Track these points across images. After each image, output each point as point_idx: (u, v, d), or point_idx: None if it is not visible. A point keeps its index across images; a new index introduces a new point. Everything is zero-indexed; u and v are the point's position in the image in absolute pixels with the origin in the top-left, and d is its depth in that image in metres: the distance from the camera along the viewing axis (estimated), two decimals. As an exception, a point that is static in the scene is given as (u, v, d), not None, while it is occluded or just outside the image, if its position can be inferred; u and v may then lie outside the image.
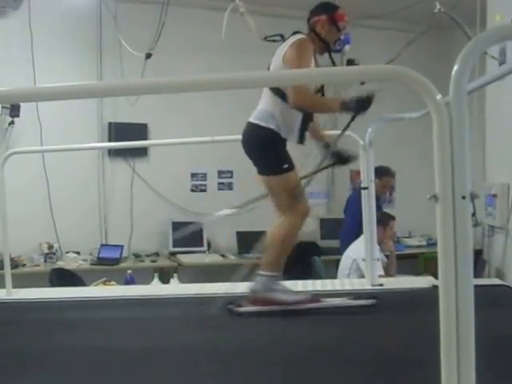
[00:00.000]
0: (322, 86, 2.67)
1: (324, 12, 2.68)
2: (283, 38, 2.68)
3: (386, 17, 5.39)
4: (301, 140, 2.68)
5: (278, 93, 2.56)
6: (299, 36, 2.62)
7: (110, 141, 5.35)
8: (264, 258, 2.63)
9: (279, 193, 2.61)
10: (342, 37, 2.70)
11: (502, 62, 3.46)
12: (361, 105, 2.48)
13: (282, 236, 2.61)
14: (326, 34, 2.68)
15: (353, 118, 2.57)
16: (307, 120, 2.68)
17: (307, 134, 2.72)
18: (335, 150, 2.71)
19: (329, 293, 2.91)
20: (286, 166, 2.58)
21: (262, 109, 2.63)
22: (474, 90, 2.34)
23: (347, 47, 2.72)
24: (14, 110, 4.83)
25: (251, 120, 2.64)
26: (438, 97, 1.24)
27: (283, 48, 2.61)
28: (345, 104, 2.50)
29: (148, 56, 4.68)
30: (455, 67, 1.25)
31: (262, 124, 2.59)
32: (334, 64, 2.71)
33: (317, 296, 2.71)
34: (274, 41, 2.74)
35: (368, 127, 3.10)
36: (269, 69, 2.66)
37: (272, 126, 2.58)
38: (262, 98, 2.66)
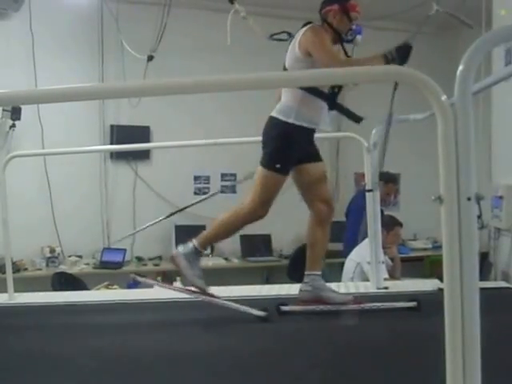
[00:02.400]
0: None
1: (336, 2, 2.67)
2: (290, 35, 2.69)
3: (391, 17, 5.37)
4: (355, 118, 2.62)
5: None
6: (310, 25, 2.61)
7: (112, 144, 5.35)
8: (307, 257, 2.69)
9: (256, 184, 2.61)
10: (354, 27, 2.68)
11: (508, 62, 3.43)
12: (403, 52, 2.49)
13: (230, 219, 2.64)
14: (337, 23, 2.66)
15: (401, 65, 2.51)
16: (337, 106, 2.65)
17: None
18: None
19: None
20: (278, 166, 2.57)
21: (283, 103, 2.64)
22: (480, 90, 2.32)
23: (359, 38, 2.70)
24: (15, 113, 4.82)
25: (272, 114, 2.65)
26: (443, 98, 1.23)
27: (296, 39, 2.60)
28: (387, 57, 2.50)
29: (150, 58, 4.68)
30: (460, 68, 1.23)
31: (281, 118, 2.59)
32: (346, 54, 2.69)
33: (358, 298, 2.74)
34: (280, 39, 2.74)
35: (373, 129, 3.07)
36: (284, 67, 2.67)
37: (291, 120, 2.58)
38: (282, 92, 2.66)
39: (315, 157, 2.75)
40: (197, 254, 2.65)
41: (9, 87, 1.58)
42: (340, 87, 2.63)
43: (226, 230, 2.71)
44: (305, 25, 2.63)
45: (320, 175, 2.74)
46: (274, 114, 2.63)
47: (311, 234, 2.73)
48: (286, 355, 2.09)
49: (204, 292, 2.66)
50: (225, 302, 2.62)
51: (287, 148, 2.59)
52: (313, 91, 2.57)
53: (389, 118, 2.61)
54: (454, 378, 1.23)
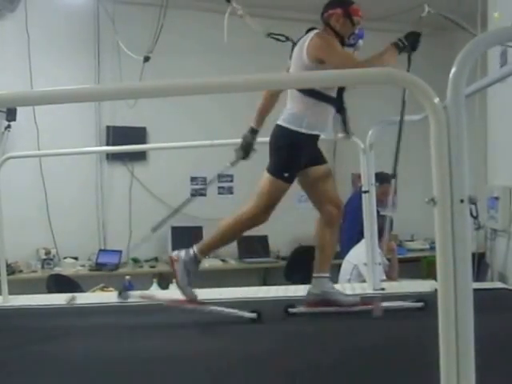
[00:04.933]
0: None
1: (339, 6, 2.67)
2: (288, 39, 2.70)
3: (387, 19, 5.37)
4: (345, 130, 2.70)
5: (307, 92, 2.55)
6: (315, 31, 2.61)
7: (108, 145, 5.34)
8: (316, 260, 2.69)
9: (260, 191, 2.62)
10: (357, 31, 2.69)
11: (503, 64, 3.43)
12: (413, 39, 2.52)
13: (231, 224, 2.65)
14: (340, 27, 2.66)
15: (410, 58, 2.57)
16: (342, 110, 2.67)
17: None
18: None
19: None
20: (286, 175, 2.58)
21: (291, 112, 2.62)
22: (473, 92, 2.32)
23: (361, 42, 2.70)
24: (11, 114, 4.82)
25: (280, 123, 2.63)
26: (436, 100, 1.23)
27: (302, 46, 2.58)
28: (398, 45, 2.52)
29: (146, 59, 4.67)
30: (453, 70, 1.23)
31: (292, 127, 2.59)
32: None
33: (366, 299, 2.75)
34: (278, 39, 2.75)
35: (369, 130, 3.07)
36: (288, 71, 2.66)
37: (303, 130, 2.58)
38: (288, 100, 2.65)
39: (320, 159, 2.76)
40: (196, 262, 2.65)
41: (4, 88, 1.57)
42: (343, 89, 2.64)
43: (228, 236, 2.71)
44: (308, 31, 2.63)
45: (325, 177, 2.75)
46: (283, 123, 2.61)
47: (320, 236, 2.73)
48: (290, 356, 2.09)
49: (193, 301, 2.65)
50: (213, 307, 2.62)
51: (296, 157, 2.60)
52: (321, 97, 2.57)
53: (401, 118, 2.62)
54: (448, 379, 1.23)
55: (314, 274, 2.70)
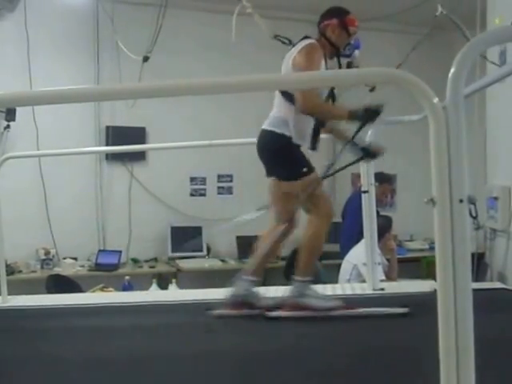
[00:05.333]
0: (333, 92, 2.67)
1: (335, 16, 2.68)
2: (291, 43, 2.69)
3: (390, 19, 5.37)
4: (313, 147, 2.69)
5: (291, 99, 2.56)
6: (308, 41, 2.62)
7: (107, 145, 5.34)
8: (297, 263, 2.66)
9: (308, 199, 2.61)
10: (352, 42, 2.69)
11: (501, 64, 3.43)
12: (368, 115, 2.48)
13: (310, 240, 2.63)
14: (336, 38, 2.68)
15: (360, 128, 2.57)
16: (319, 127, 2.69)
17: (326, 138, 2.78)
18: (363, 145, 2.69)
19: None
20: (305, 169, 2.58)
21: (276, 116, 2.64)
22: (472, 93, 2.32)
23: (357, 52, 2.71)
24: (10, 114, 4.81)
25: (265, 127, 2.65)
26: (435, 100, 1.23)
27: (292, 53, 2.62)
28: (353, 113, 2.50)
29: (145, 59, 4.67)
30: (452, 70, 1.24)
31: (277, 131, 2.60)
32: (340, 68, 2.72)
33: (350, 303, 2.70)
34: (283, 42, 2.75)
35: (368, 130, 3.07)
36: None
37: (287, 133, 2.59)
38: (274, 105, 2.67)
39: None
40: (305, 284, 2.62)
41: (3, 88, 1.57)
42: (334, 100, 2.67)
43: (317, 250, 2.68)
44: (303, 38, 2.64)
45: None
46: (269, 127, 2.63)
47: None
48: (276, 361, 2.08)
49: (343, 306, 2.62)
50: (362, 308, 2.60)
51: (296, 152, 2.61)
52: None
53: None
54: (448, 379, 1.23)
55: (294, 277, 2.66)
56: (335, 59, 2.72)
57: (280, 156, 2.62)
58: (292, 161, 2.61)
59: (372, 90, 2.73)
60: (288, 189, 2.64)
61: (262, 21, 3.04)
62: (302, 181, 2.58)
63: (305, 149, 2.67)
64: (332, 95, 2.67)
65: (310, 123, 2.65)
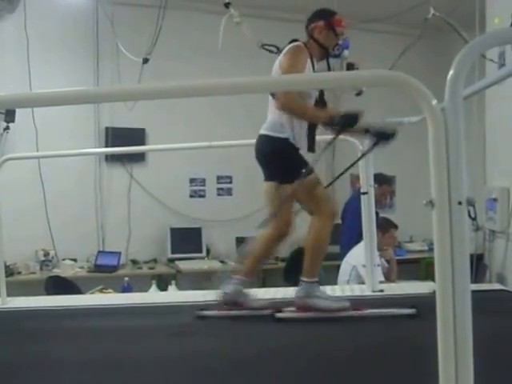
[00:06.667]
0: (322, 94, 2.68)
1: (321, 18, 2.70)
2: (279, 50, 2.70)
3: (385, 20, 5.37)
4: (310, 148, 2.68)
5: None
6: (293, 44, 2.64)
7: (107, 146, 5.33)
8: (304, 265, 2.67)
9: (303, 199, 2.63)
10: (341, 42, 2.70)
11: (501, 66, 3.43)
12: (345, 121, 2.48)
13: (314, 241, 2.63)
14: (324, 39, 2.69)
15: (337, 134, 2.58)
16: (314, 129, 2.69)
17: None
18: (376, 129, 2.63)
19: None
20: (304, 170, 2.58)
21: (272, 119, 2.65)
22: (471, 94, 2.32)
23: (346, 52, 2.71)
24: (9, 116, 4.80)
25: (262, 132, 2.66)
26: (434, 102, 1.23)
27: (278, 59, 2.65)
28: (331, 118, 2.51)
29: (145, 61, 4.67)
30: (450, 72, 1.24)
31: (274, 134, 2.61)
32: (329, 69, 2.73)
33: (357, 304, 2.70)
34: (270, 51, 2.77)
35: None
36: None
37: (283, 136, 2.60)
38: (269, 109, 2.67)
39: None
40: (313, 285, 2.63)
41: (3, 89, 1.57)
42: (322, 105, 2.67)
43: (321, 250, 2.68)
44: (290, 42, 2.65)
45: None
46: (265, 132, 2.64)
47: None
48: (279, 361, 2.08)
49: (350, 307, 2.62)
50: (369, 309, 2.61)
51: (293, 154, 2.61)
52: None
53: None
54: (447, 380, 1.23)
55: (301, 278, 2.67)
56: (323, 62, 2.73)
57: (277, 159, 2.63)
58: (289, 163, 2.61)
59: (358, 94, 2.73)
60: (288, 191, 2.64)
61: (248, 31, 3.06)
62: (301, 183, 2.57)
63: (303, 151, 2.67)
64: (321, 98, 2.67)
65: (304, 125, 2.64)
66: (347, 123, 2.48)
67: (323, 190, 2.65)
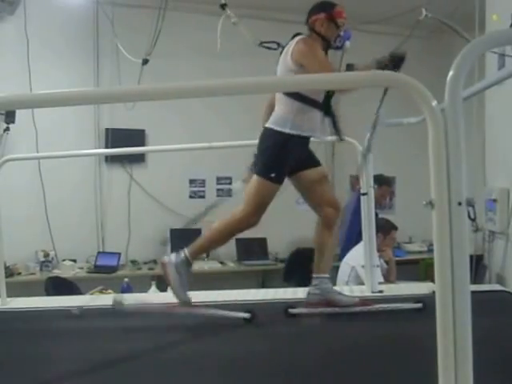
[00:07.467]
0: (329, 97, 2.67)
1: (322, 10, 2.70)
2: (279, 46, 2.71)
3: (384, 22, 5.38)
4: (326, 113, 2.64)
5: (291, 93, 2.57)
6: (301, 36, 2.64)
7: (107, 147, 5.34)
8: (315, 262, 2.70)
9: (249, 193, 2.63)
10: (342, 33, 2.70)
11: (500, 67, 3.44)
12: (396, 62, 2.48)
13: (320, 237, 2.69)
14: (325, 31, 2.69)
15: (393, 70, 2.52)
16: (330, 114, 2.67)
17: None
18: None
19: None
20: (273, 175, 2.58)
21: (276, 113, 2.65)
22: (471, 95, 2.32)
23: (348, 43, 2.71)
24: (10, 117, 4.80)
25: (266, 124, 2.66)
26: (434, 103, 1.23)
27: (288, 51, 2.62)
28: (379, 63, 2.49)
29: (145, 62, 4.68)
30: (450, 73, 1.24)
31: (276, 128, 2.61)
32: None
33: (366, 300, 2.79)
34: (269, 48, 2.76)
35: (367, 133, 3.07)
36: None
37: (287, 130, 2.59)
38: (276, 103, 2.68)
39: (312, 162, 2.76)
40: (187, 264, 2.65)
41: (3, 90, 1.58)
42: (332, 93, 2.64)
43: (218, 239, 2.71)
44: (294, 36, 2.66)
45: (320, 179, 2.75)
46: (268, 124, 2.64)
47: (319, 237, 2.74)
48: (291, 357, 2.09)
49: (187, 305, 2.64)
50: (208, 310, 2.63)
51: (283, 157, 2.60)
52: (307, 101, 2.59)
53: (375, 119, 2.65)
54: (446, 380, 1.23)
55: (314, 275, 2.72)
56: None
57: (267, 151, 2.62)
58: (270, 161, 2.60)
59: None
60: (252, 182, 2.64)
61: (245, 31, 3.06)
62: (262, 182, 2.58)
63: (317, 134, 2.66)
64: (328, 101, 2.66)
65: (315, 114, 2.63)
66: (398, 63, 2.48)
67: (266, 205, 2.61)
